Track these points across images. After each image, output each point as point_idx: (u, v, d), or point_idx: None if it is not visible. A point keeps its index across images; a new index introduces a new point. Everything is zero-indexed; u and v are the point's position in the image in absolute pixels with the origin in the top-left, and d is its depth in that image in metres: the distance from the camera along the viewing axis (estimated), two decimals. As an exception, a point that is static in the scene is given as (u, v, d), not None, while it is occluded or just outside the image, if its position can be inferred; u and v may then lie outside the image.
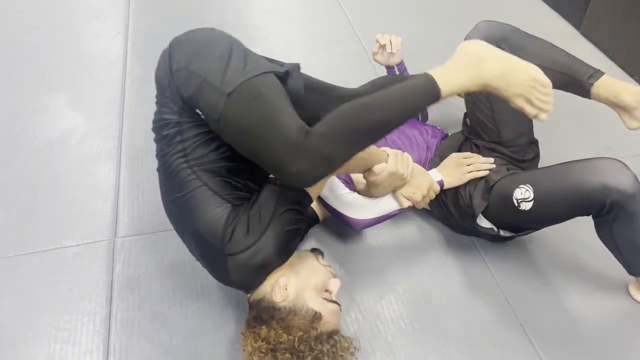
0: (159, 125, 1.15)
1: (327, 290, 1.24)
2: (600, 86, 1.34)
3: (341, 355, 1.15)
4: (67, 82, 2.19)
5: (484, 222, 1.45)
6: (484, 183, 1.44)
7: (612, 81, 1.34)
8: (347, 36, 2.48)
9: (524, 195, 1.32)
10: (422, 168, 1.45)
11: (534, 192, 1.30)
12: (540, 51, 1.40)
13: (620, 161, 1.25)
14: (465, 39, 1.44)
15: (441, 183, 1.48)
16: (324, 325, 1.16)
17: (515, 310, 1.40)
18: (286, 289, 1.18)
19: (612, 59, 2.30)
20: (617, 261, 1.36)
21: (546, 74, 1.32)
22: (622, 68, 2.25)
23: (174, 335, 1.34)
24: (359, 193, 1.45)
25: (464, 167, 1.50)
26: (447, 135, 1.70)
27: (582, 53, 2.34)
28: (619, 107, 1.33)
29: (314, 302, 1.18)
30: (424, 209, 1.62)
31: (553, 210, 1.32)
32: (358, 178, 1.49)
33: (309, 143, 0.96)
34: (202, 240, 1.16)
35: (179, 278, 1.47)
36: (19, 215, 1.65)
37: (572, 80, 1.37)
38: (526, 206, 1.32)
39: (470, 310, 1.41)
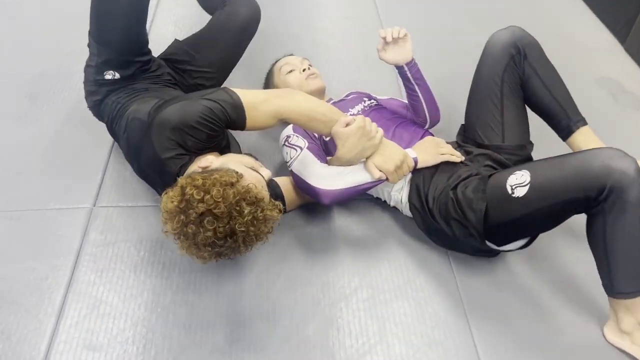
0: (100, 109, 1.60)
1: (253, 168, 1.27)
2: (582, 133, 1.46)
3: (253, 202, 1.14)
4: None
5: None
6: (477, 179, 1.37)
7: (591, 133, 1.46)
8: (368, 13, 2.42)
9: (518, 180, 1.26)
10: (397, 144, 1.43)
11: (531, 176, 1.24)
12: (550, 79, 1.48)
13: (623, 151, 1.20)
14: (495, 35, 1.50)
15: (415, 160, 1.43)
16: (245, 181, 1.18)
17: (476, 342, 1.32)
18: (212, 162, 1.25)
19: (652, 80, 2.12)
20: (592, 296, 1.26)
21: (546, 100, 1.47)
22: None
23: (125, 309, 1.35)
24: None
25: (439, 149, 1.47)
26: None
27: (620, 67, 2.20)
28: None
29: (237, 167, 1.23)
30: (404, 215, 1.56)
31: (549, 195, 1.23)
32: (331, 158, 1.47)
33: None
34: (138, 122, 1.35)
35: (145, 253, 1.48)
36: (12, 173, 1.71)
37: (563, 116, 1.47)
38: (520, 192, 1.24)
39: (426, 333, 1.33)
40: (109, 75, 1.54)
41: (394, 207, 1.59)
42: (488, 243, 1.37)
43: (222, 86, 1.35)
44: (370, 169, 1.37)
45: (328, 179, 1.39)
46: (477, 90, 1.53)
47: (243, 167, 1.25)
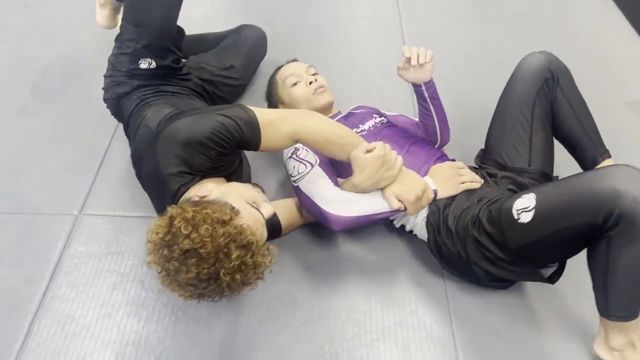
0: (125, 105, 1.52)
1: (255, 203, 1.17)
2: (606, 165, 1.38)
3: (243, 246, 1.05)
4: (97, 43, 2.20)
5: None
6: (500, 201, 1.27)
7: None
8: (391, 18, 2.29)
9: (524, 204, 1.16)
10: (416, 173, 1.34)
11: (536, 200, 1.14)
12: (580, 108, 1.43)
13: (638, 169, 1.06)
14: (529, 57, 1.45)
15: (435, 192, 1.34)
16: (240, 220, 1.08)
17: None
18: (211, 191, 1.17)
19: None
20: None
21: (575, 128, 1.42)
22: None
23: (97, 329, 1.29)
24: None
25: (458, 177, 1.37)
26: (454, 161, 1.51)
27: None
28: None
29: (235, 201, 1.13)
30: (410, 239, 1.46)
31: (554, 222, 1.12)
32: (341, 180, 1.37)
33: None
34: (147, 130, 1.28)
35: (125, 269, 1.42)
36: (3, 172, 1.66)
37: (590, 147, 1.42)
38: (525, 218, 1.15)
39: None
40: (145, 63, 1.48)
41: (401, 228, 1.48)
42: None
43: (239, 103, 1.29)
44: (388, 198, 1.28)
45: (341, 204, 1.28)
46: (505, 111, 1.46)
47: (242, 202, 1.14)
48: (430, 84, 1.49)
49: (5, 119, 1.83)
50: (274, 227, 1.42)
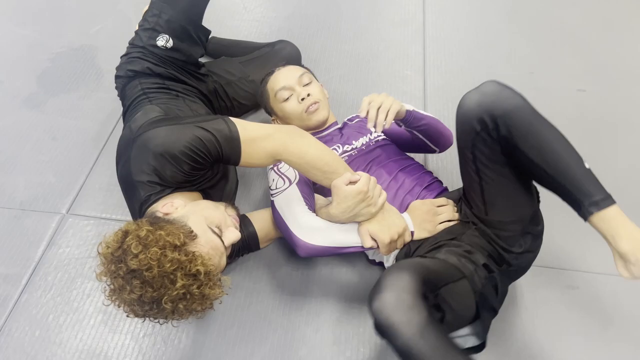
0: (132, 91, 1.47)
1: (218, 227, 1.12)
2: (602, 220, 1.00)
3: (192, 275, 0.99)
4: (109, 35, 2.19)
5: None
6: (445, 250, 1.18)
7: (617, 218, 0.99)
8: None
9: None
10: (398, 212, 1.25)
11: None
12: (541, 152, 1.05)
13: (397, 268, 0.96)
14: (462, 100, 1.12)
15: (412, 234, 1.25)
16: (195, 246, 1.04)
17: None
18: (177, 208, 1.13)
19: None
20: None
21: (542, 178, 1.07)
22: None
23: (66, 338, 1.28)
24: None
25: (437, 217, 1.27)
26: (446, 189, 1.41)
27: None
28: (615, 250, 1.00)
29: (196, 224, 1.08)
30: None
31: None
32: (320, 202, 1.31)
33: None
34: (128, 132, 1.25)
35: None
36: (1, 165, 1.67)
37: (572, 197, 1.03)
38: None
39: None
40: (162, 40, 1.47)
41: (379, 263, 1.41)
42: None
43: (223, 115, 1.24)
44: (362, 235, 1.20)
45: (311, 231, 1.21)
46: (459, 155, 1.24)
47: (203, 226, 1.09)
48: (406, 118, 1.37)
49: (10, 109, 1.84)
50: (251, 240, 1.38)
